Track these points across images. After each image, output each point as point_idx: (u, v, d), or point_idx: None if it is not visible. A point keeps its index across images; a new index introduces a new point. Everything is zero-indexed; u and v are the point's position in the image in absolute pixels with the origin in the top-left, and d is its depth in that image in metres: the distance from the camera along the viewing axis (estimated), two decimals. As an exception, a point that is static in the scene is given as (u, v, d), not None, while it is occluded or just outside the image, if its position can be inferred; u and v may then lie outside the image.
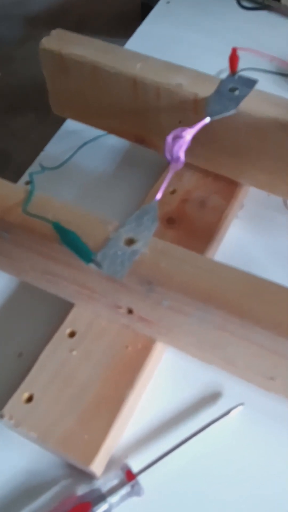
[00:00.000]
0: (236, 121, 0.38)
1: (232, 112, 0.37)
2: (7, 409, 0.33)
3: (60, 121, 0.55)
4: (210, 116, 0.37)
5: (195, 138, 0.42)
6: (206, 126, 0.36)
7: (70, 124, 0.54)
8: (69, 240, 0.31)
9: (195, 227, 0.42)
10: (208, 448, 0.34)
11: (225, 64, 0.41)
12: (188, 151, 0.43)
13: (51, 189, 0.39)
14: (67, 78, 0.45)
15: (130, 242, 0.31)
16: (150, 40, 0.67)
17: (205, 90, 0.39)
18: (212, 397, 0.36)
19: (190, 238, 0.42)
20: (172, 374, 0.37)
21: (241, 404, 0.35)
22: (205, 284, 0.29)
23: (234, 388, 0.36)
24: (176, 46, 0.66)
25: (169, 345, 0.37)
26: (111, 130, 0.48)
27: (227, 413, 0.34)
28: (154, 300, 0.31)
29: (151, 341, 0.36)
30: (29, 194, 0.34)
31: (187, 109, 0.40)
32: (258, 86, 0.40)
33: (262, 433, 0.35)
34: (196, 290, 0.29)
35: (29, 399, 0.34)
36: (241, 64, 0.41)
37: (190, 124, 0.41)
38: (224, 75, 0.41)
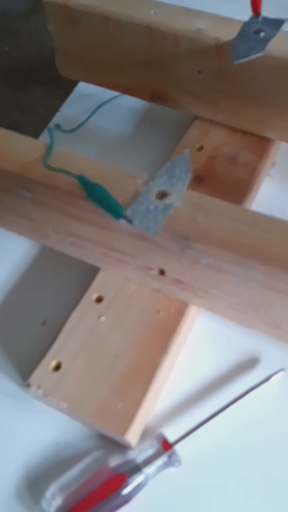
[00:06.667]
0: (263, 65, 0.35)
1: (259, 54, 0.34)
2: (34, 378, 0.32)
3: (69, 94, 0.52)
4: (235, 59, 0.33)
5: (216, 88, 0.39)
6: (230, 73, 0.33)
7: (82, 87, 0.51)
8: (96, 195, 0.28)
9: (226, 184, 0.39)
10: (248, 417, 0.32)
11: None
12: (210, 105, 0.40)
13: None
14: (75, 32, 0.41)
15: (162, 195, 0.29)
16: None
17: (227, 34, 0.36)
18: (249, 363, 0.34)
19: (220, 196, 0.38)
20: (206, 339, 0.35)
21: (282, 369, 0.33)
22: (248, 238, 0.26)
23: (272, 353, 0.34)
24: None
25: (204, 309, 0.34)
26: (124, 89, 0.44)
27: (267, 379, 0.32)
28: (190, 258, 0.29)
29: (184, 305, 0.34)
30: (49, 148, 0.31)
31: (209, 56, 0.37)
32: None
33: (305, 400, 0.33)
34: (238, 245, 0.26)
35: (57, 367, 0.32)
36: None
37: (211, 73, 0.37)
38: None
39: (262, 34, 0.34)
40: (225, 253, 0.27)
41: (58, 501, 0.30)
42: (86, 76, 0.46)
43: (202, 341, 0.35)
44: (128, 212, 0.28)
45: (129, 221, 0.28)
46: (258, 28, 0.35)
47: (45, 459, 0.32)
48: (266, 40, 0.34)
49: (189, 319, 0.34)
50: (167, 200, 0.28)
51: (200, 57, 0.38)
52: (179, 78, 0.40)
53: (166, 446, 0.30)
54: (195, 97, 0.41)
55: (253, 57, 0.34)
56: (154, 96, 0.43)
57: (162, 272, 0.32)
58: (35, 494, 0.31)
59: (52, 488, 0.31)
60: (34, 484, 0.31)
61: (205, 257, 0.28)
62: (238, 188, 0.40)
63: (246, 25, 0.35)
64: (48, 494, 0.31)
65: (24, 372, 0.35)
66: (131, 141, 0.48)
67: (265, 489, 0.30)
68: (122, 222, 0.28)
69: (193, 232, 0.27)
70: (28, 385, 0.32)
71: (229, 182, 0.40)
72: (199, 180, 0.40)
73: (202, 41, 0.37)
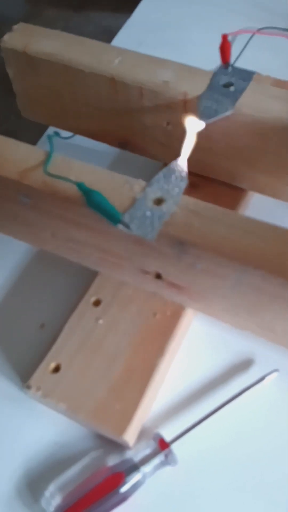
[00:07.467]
0: (233, 121, 0.34)
1: (229, 112, 0.33)
2: (33, 380, 0.32)
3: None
4: (203, 118, 0.32)
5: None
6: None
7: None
8: (94, 201, 0.29)
9: (221, 190, 0.40)
10: (243, 416, 0.33)
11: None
12: (178, 154, 0.38)
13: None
14: (36, 78, 0.40)
15: (159, 201, 0.29)
16: (156, 12, 0.63)
17: (195, 87, 0.34)
18: (244, 364, 0.35)
19: (216, 203, 0.40)
20: (201, 341, 0.36)
21: (276, 370, 0.34)
22: (242, 243, 0.27)
23: (266, 355, 0.35)
24: (184, 17, 0.62)
25: (200, 312, 0.35)
26: (90, 135, 0.42)
27: (261, 379, 0.33)
28: (186, 263, 0.30)
29: (180, 308, 0.34)
30: (49, 155, 0.32)
31: (176, 110, 0.36)
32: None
33: (298, 400, 0.34)
34: (233, 250, 0.27)
35: (56, 369, 0.33)
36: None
37: (179, 125, 0.34)
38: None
39: (232, 88, 0.33)
40: (219, 258, 0.28)
41: (57, 500, 0.31)
42: (49, 120, 0.44)
43: (198, 343, 0.36)
44: (126, 218, 0.29)
45: (127, 226, 0.28)
46: (228, 81, 0.34)
47: (45, 459, 0.33)
48: (236, 95, 0.33)
49: (185, 322, 0.35)
50: (163, 206, 0.29)
51: (167, 110, 0.36)
52: (146, 128, 0.39)
53: (163, 445, 0.31)
54: (163, 146, 0.39)
55: (222, 116, 0.33)
56: (122, 143, 0.42)
57: (158, 276, 0.33)
58: (34, 493, 0.31)
59: (52, 487, 0.31)
60: (33, 483, 0.32)
61: (200, 262, 0.29)
62: (234, 193, 0.40)
63: (215, 76, 0.34)
64: (47, 493, 0.31)
65: (23, 374, 0.35)
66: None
67: (260, 488, 0.31)
68: (120, 227, 0.28)
69: (188, 237, 0.28)
70: (28, 387, 0.32)
71: (225, 187, 0.41)
72: (194, 186, 0.41)
73: (169, 95, 0.35)
